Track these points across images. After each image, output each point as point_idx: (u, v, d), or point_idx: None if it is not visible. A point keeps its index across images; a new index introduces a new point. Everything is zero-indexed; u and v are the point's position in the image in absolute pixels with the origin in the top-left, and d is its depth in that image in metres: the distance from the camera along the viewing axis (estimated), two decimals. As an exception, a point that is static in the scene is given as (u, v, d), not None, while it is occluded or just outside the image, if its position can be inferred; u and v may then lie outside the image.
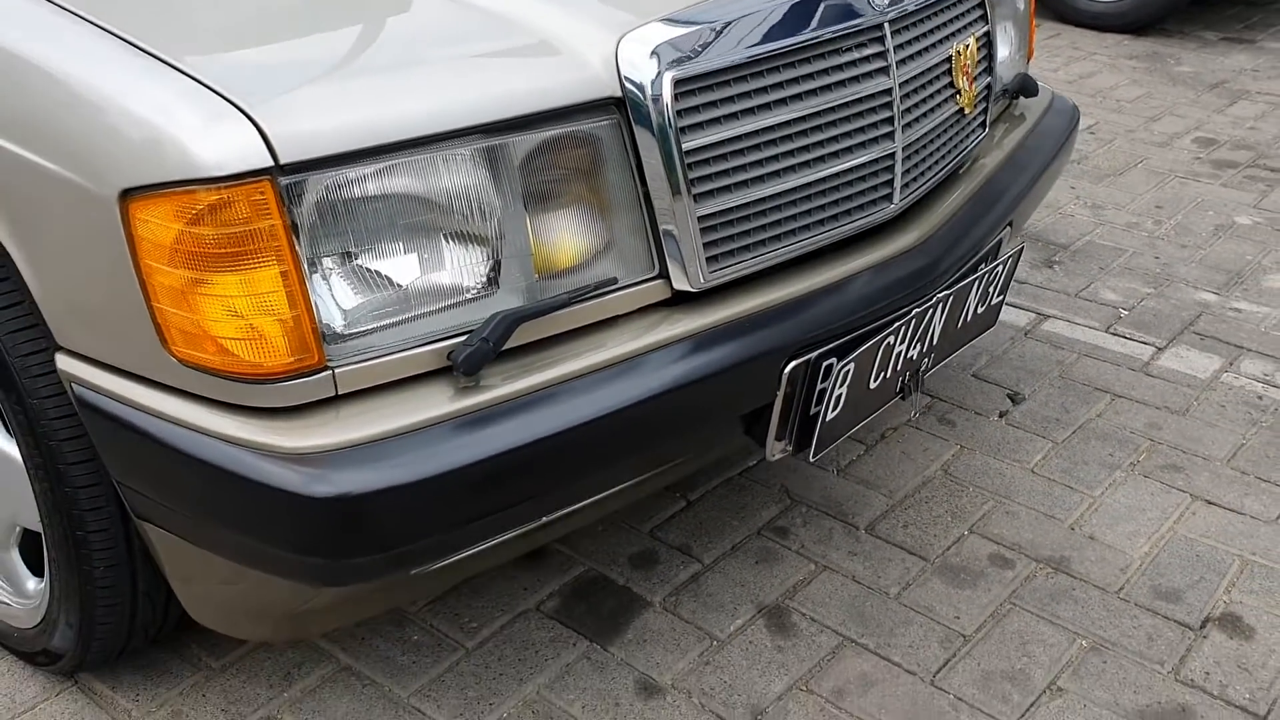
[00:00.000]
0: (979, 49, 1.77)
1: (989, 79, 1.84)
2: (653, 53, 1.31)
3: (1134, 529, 1.96)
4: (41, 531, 1.43)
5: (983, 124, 1.84)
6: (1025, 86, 2.07)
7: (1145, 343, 2.52)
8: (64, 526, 1.36)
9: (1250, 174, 3.43)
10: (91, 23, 1.22)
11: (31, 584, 1.58)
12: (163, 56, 1.18)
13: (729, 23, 1.38)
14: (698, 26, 1.35)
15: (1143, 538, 1.94)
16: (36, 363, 1.30)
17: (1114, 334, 2.56)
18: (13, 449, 1.43)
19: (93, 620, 1.43)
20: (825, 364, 1.46)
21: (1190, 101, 4.05)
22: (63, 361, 1.27)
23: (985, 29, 1.80)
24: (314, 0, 1.36)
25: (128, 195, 1.12)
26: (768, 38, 1.39)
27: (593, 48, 1.32)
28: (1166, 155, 3.57)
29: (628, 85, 1.31)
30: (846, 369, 1.47)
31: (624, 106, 1.32)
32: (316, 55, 1.23)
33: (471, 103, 1.22)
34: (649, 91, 1.31)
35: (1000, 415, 2.27)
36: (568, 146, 1.30)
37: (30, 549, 1.58)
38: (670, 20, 1.35)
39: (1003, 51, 2.04)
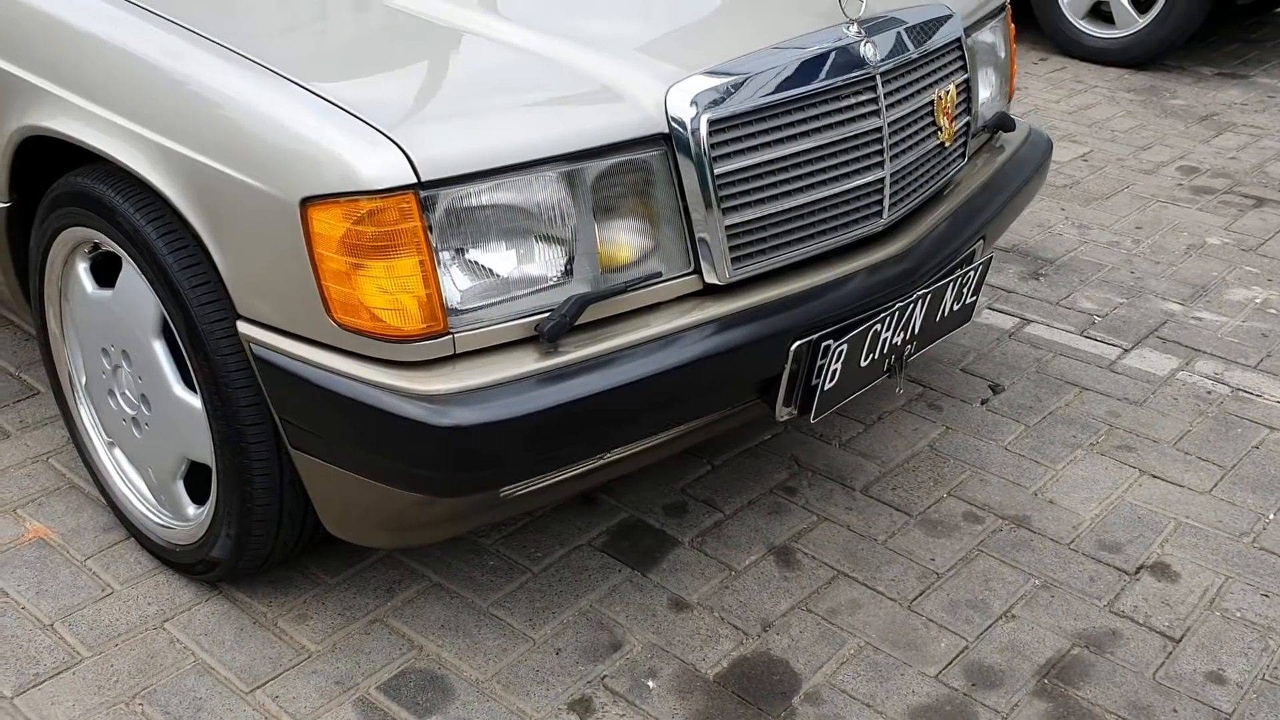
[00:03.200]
0: (958, 93, 2.16)
1: (968, 118, 2.22)
2: (693, 100, 1.71)
3: (1087, 496, 2.33)
4: (212, 462, 1.83)
5: (962, 154, 2.23)
6: (1003, 123, 2.46)
7: (1113, 344, 2.90)
8: (232, 456, 1.77)
9: (1225, 199, 3.80)
10: (276, 72, 1.63)
11: (191, 510, 1.98)
12: (330, 98, 1.58)
13: (752, 76, 1.77)
14: (727, 79, 1.75)
15: (1094, 503, 2.31)
16: (221, 329, 1.70)
17: (1087, 337, 2.93)
18: (191, 398, 1.84)
19: (248, 533, 1.84)
20: (824, 344, 1.85)
21: (1179, 133, 4.42)
22: (243, 327, 1.68)
23: (965, 77, 2.19)
24: (428, 51, 1.77)
25: (306, 202, 1.53)
26: (782, 87, 1.79)
27: (647, 95, 1.72)
28: (1151, 181, 3.94)
29: (673, 125, 1.71)
30: (841, 349, 1.86)
31: (670, 141, 1.72)
32: (441, 96, 1.63)
33: (557, 137, 1.62)
34: (689, 129, 1.71)
35: (982, 403, 2.65)
36: (627, 171, 1.70)
37: (188, 483, 1.99)
38: (707, 73, 1.75)
39: (984, 93, 2.43)
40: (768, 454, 2.43)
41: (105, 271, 1.98)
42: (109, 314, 1.94)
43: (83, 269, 1.99)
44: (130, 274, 1.85)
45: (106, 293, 1.94)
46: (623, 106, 1.70)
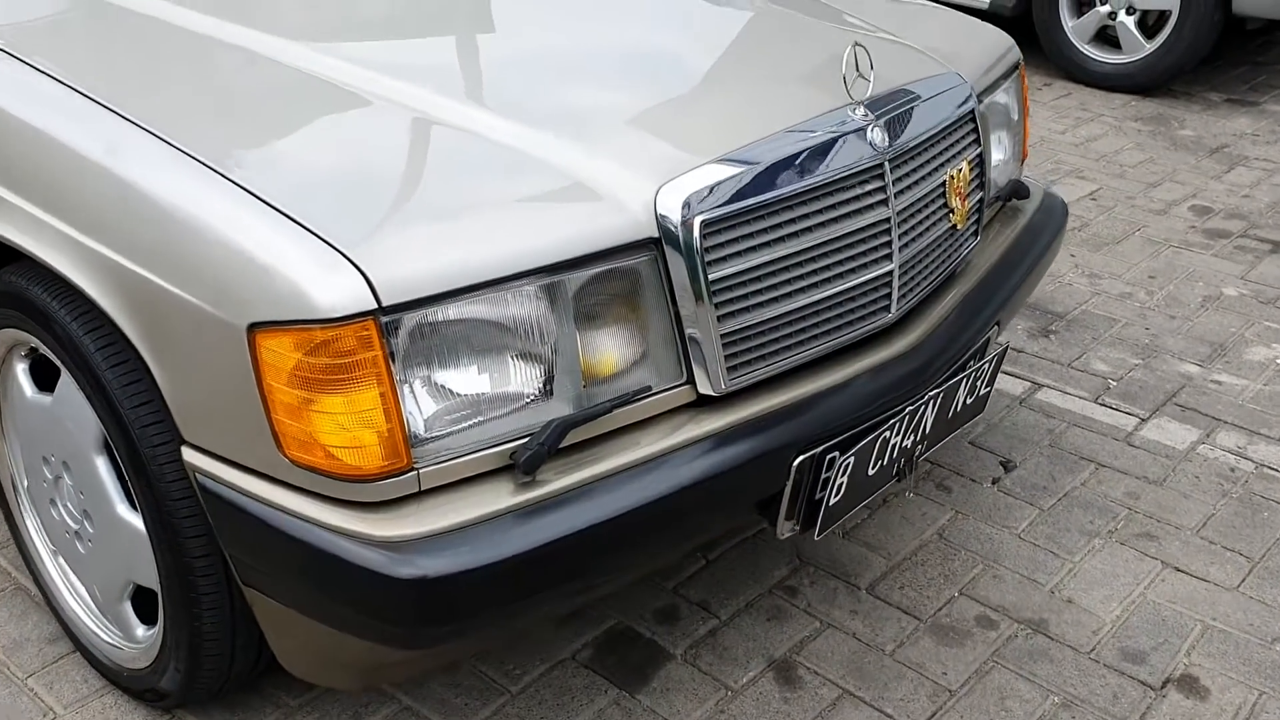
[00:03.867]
0: (971, 170, 2.01)
1: (981, 194, 2.07)
2: (684, 201, 1.56)
3: (1108, 593, 2.18)
4: (159, 590, 1.68)
5: (975, 233, 2.07)
6: (1017, 190, 2.30)
7: (1130, 413, 2.74)
8: (180, 588, 1.61)
9: (1240, 244, 3.65)
10: (222, 174, 1.47)
11: (140, 631, 1.82)
12: (280, 207, 1.42)
13: (747, 171, 1.61)
14: (720, 176, 1.59)
15: (1115, 602, 2.16)
16: (164, 453, 1.54)
17: (1102, 404, 2.78)
18: (135, 519, 1.68)
19: (198, 666, 1.68)
20: (829, 457, 1.70)
21: (1190, 167, 4.27)
22: (188, 454, 1.52)
23: (978, 151, 2.03)
24: (391, 146, 1.59)
25: (254, 328, 1.37)
26: (781, 182, 1.63)
27: (635, 195, 1.56)
28: (1163, 223, 3.79)
29: (663, 226, 1.55)
30: (847, 462, 1.70)
31: (660, 244, 1.56)
32: (405, 203, 1.47)
33: (535, 249, 1.46)
34: (680, 232, 1.55)
35: (993, 482, 2.49)
36: (613, 278, 1.54)
37: (137, 600, 1.83)
38: (699, 169, 1.59)
39: (997, 157, 2.27)
40: (766, 546, 2.28)
41: (47, 374, 1.82)
42: (49, 421, 1.78)
43: (21, 370, 1.83)
44: (69, 384, 1.69)
45: (46, 398, 1.78)
46: (608, 208, 1.54)
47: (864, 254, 1.75)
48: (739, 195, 1.60)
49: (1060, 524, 2.37)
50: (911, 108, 1.85)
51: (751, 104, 1.78)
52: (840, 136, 1.71)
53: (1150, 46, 4.90)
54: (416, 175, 1.53)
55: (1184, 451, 2.61)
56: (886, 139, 1.76)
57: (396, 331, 1.38)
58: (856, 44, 1.76)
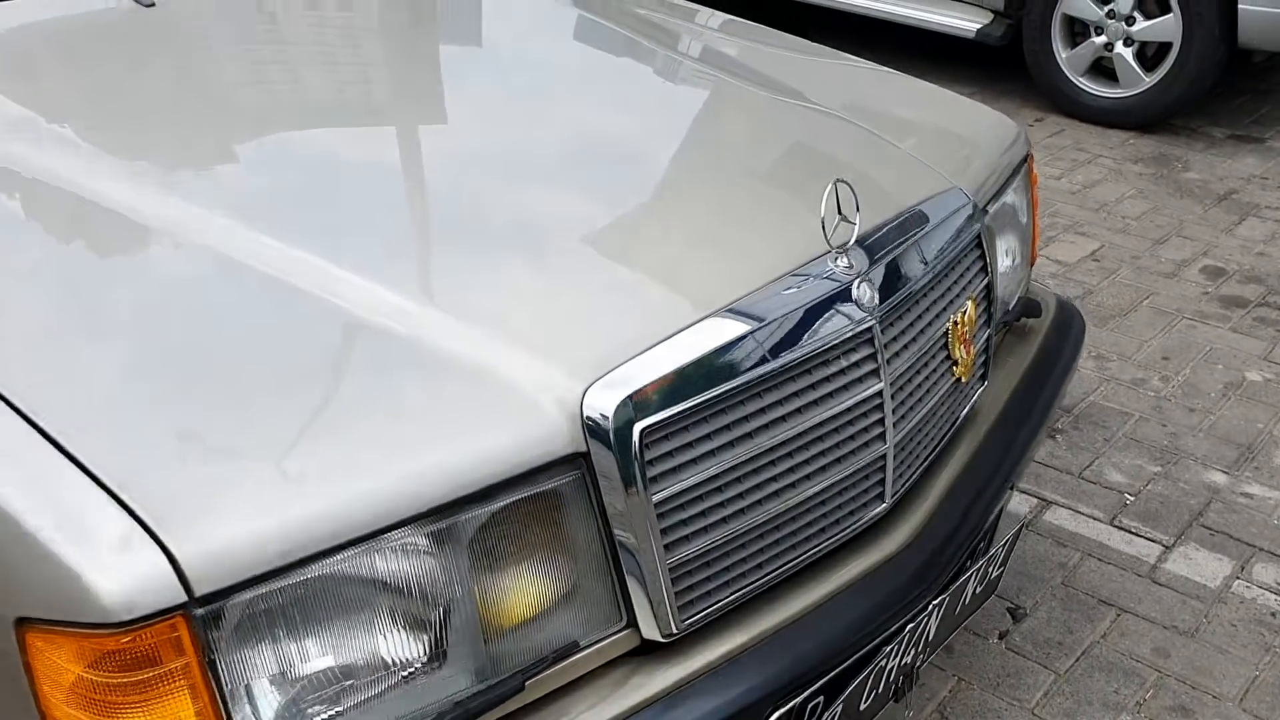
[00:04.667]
0: (978, 308, 1.65)
1: (989, 331, 1.72)
2: (620, 402, 1.19)
3: (1141, 794, 1.84)
4: None
5: (982, 378, 1.72)
6: (1028, 310, 1.96)
7: (1152, 540, 2.40)
8: None
9: (1260, 315, 3.31)
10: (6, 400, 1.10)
11: None
12: (56, 437, 1.06)
13: (701, 355, 1.26)
14: (667, 368, 1.23)
15: (1151, 807, 1.82)
16: (-63, 745, 1.18)
17: (1119, 527, 2.44)
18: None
19: None
20: (812, 704, 1.35)
21: (1198, 218, 3.93)
22: (-37, 754, 1.15)
23: (985, 282, 1.68)
24: (218, 332, 1.22)
25: (23, 624, 1.01)
26: (744, 365, 1.27)
27: (554, 396, 1.19)
28: (1174, 289, 3.45)
29: (591, 435, 1.19)
30: (835, 709, 1.35)
31: (588, 457, 1.20)
32: (231, 432, 1.10)
33: (419, 486, 1.10)
34: (615, 443, 1.19)
35: (1000, 637, 2.14)
36: (526, 506, 1.18)
37: None
38: (637, 359, 1.23)
39: (1004, 264, 1.92)
40: (736, 735, 1.92)
41: None
42: None
43: None
44: None
45: None
46: (519, 417, 1.18)
47: (852, 438, 1.40)
48: (689, 389, 1.24)
49: (1081, 694, 2.02)
50: (906, 247, 1.49)
51: (703, 259, 1.41)
52: (819, 301, 1.35)
53: (1150, 80, 4.56)
54: (252, 384, 1.15)
55: (1216, 591, 2.27)
56: (876, 295, 1.40)
57: (218, 624, 1.02)
58: (838, 180, 1.40)
